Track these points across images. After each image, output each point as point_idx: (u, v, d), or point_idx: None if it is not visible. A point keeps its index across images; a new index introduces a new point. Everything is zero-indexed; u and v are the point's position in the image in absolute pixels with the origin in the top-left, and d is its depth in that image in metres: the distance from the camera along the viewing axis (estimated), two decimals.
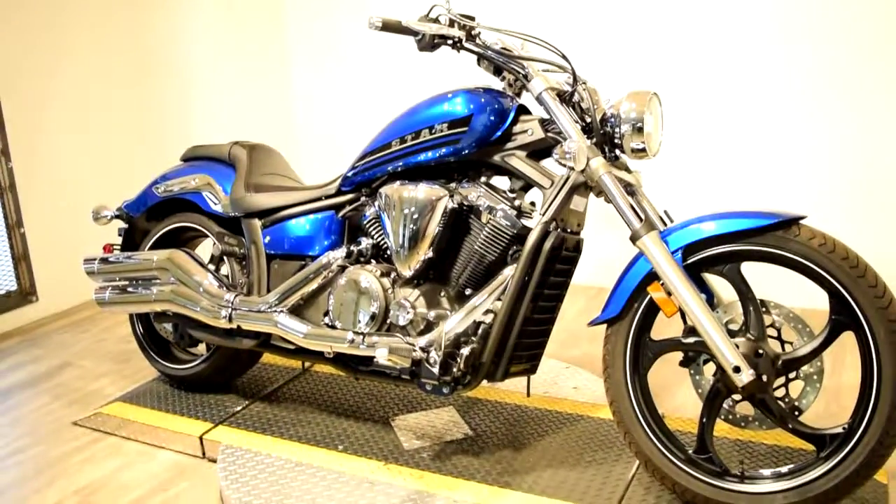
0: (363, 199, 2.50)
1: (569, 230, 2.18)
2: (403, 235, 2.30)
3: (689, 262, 1.99)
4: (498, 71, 2.26)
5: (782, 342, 2.03)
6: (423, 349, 2.22)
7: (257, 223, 2.73)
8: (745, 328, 1.98)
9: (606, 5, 3.95)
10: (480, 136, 2.19)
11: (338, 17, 4.80)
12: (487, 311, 2.20)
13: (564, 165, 2.04)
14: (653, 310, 2.07)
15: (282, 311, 2.55)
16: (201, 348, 3.05)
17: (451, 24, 2.20)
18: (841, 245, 1.87)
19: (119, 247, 3.12)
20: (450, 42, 2.20)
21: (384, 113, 2.52)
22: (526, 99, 2.25)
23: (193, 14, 4.65)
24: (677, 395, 2.82)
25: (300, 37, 5.03)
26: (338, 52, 4.87)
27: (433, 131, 2.24)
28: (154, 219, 3.06)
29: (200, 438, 2.64)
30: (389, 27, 2.13)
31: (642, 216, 2.03)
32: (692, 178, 3.89)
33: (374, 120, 2.61)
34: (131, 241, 3.12)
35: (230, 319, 2.64)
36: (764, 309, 2.00)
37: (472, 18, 2.23)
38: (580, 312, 3.76)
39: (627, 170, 2.22)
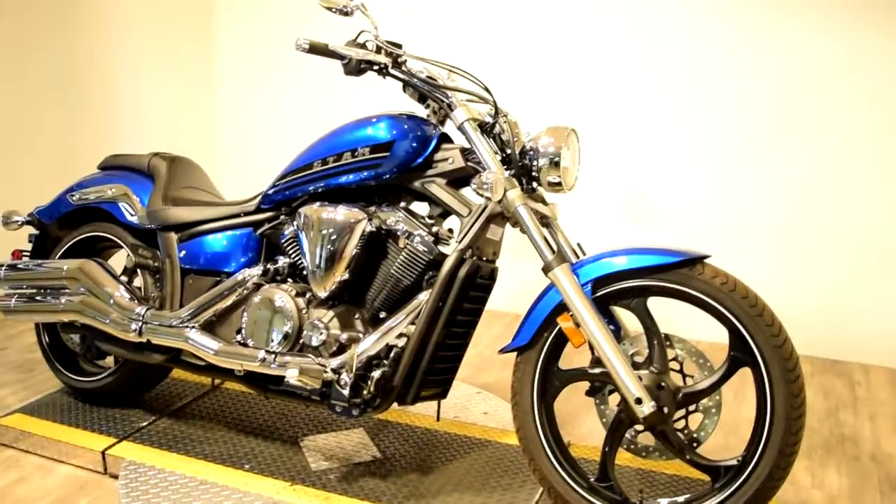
0: (282, 217, 2.50)
1: (484, 258, 2.22)
2: (320, 256, 2.30)
3: (598, 294, 2.04)
4: (422, 99, 2.30)
5: (684, 375, 2.10)
6: (334, 371, 2.22)
7: (173, 237, 2.69)
8: (649, 361, 2.04)
9: (529, 42, 4.04)
10: (402, 161, 2.22)
11: (267, 33, 4.78)
12: (400, 335, 2.22)
13: (482, 195, 2.08)
14: (562, 340, 2.12)
15: (193, 327, 2.52)
16: (109, 361, 2.99)
17: (378, 50, 2.23)
18: (741, 285, 1.95)
19: (29, 254, 3.04)
20: (376, 68, 2.22)
21: (308, 132, 2.53)
22: (449, 128, 2.29)
23: (117, 17, 4.57)
24: (585, 422, 2.88)
25: (228, 51, 4.99)
26: (265, 68, 4.85)
27: (355, 154, 2.26)
28: (67, 227, 2.99)
29: (103, 453, 2.58)
30: (316, 50, 2.14)
31: (555, 248, 2.09)
32: (606, 213, 3.99)
33: (298, 139, 2.62)
34: (42, 248, 3.04)
35: (140, 333, 2.60)
36: (668, 343, 2.06)
37: (399, 46, 2.26)
38: (495, 338, 3.81)
39: (544, 202, 2.27)
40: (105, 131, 4.57)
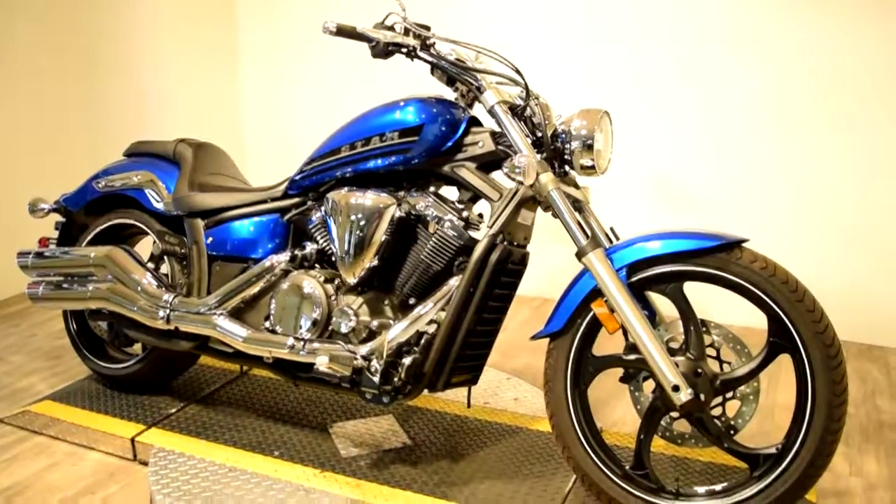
0: (310, 203, 2.47)
1: (515, 243, 2.19)
2: (349, 242, 2.28)
3: (633, 280, 2.00)
4: (451, 81, 2.25)
5: (721, 362, 2.06)
6: (364, 358, 2.20)
7: (200, 223, 2.68)
8: (685, 347, 2.00)
9: (560, 24, 3.98)
10: (431, 146, 2.18)
11: (292, 17, 4.75)
12: (431, 322, 2.19)
13: (513, 179, 2.03)
14: (595, 326, 2.08)
15: (221, 314, 2.51)
16: (137, 348, 2.99)
17: (406, 32, 2.19)
18: (781, 269, 1.90)
19: (55, 241, 3.04)
20: (404, 50, 2.18)
21: (335, 117, 2.50)
22: (478, 111, 2.25)
23: (142, 5, 4.56)
24: (617, 409, 2.84)
25: (252, 36, 4.97)
26: (290, 52, 4.82)
27: (383, 139, 2.23)
28: (93, 214, 2.98)
29: (132, 440, 2.58)
30: (344, 32, 2.10)
31: (588, 233, 2.05)
32: (639, 196, 3.93)
33: (325, 123, 2.59)
34: (68, 235, 3.04)
35: (168, 320, 2.59)
36: (704, 328, 2.02)
37: (428, 28, 2.22)
38: (523, 323, 3.78)
39: (576, 186, 2.23)
40: (130, 118, 4.56)
